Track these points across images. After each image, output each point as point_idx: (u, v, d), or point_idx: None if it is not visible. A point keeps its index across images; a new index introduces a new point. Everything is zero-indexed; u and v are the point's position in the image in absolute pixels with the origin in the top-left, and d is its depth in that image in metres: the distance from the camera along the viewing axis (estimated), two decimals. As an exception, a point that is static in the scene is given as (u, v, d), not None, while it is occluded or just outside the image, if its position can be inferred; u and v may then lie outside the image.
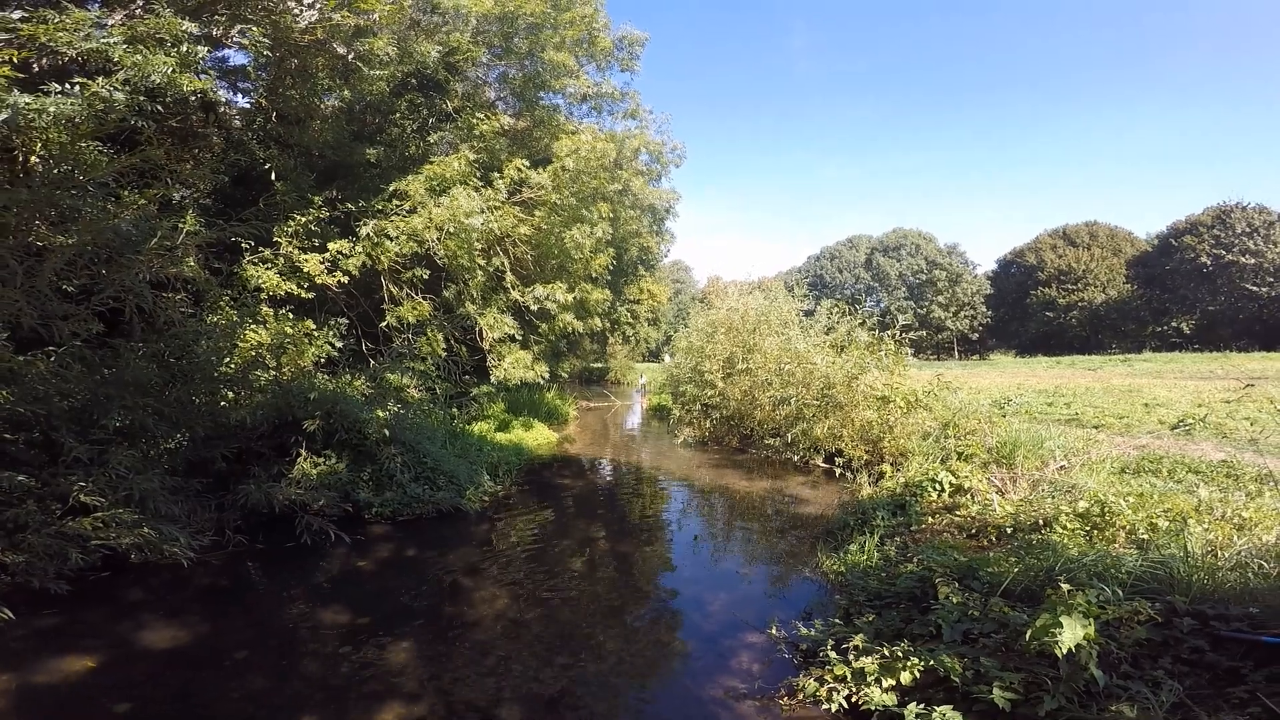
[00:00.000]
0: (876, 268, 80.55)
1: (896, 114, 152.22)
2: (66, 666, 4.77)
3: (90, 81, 5.84)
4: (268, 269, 10.17)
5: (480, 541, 8.32)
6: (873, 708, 4.01)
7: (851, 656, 4.40)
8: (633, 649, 5.35)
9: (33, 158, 5.87)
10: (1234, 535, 5.31)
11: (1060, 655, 3.52)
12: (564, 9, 15.40)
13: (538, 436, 16.16)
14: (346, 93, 11.22)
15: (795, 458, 13.02)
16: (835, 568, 6.71)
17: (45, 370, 6.16)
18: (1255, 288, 56.06)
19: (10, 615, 5.01)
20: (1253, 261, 56.40)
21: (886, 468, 10.46)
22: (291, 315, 9.74)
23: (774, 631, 5.27)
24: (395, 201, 12.04)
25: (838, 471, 11.59)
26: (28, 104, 5.24)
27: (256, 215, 9.94)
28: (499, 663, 4.95)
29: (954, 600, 4.66)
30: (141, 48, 6.23)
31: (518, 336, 13.43)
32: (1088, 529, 5.96)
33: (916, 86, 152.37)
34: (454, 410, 13.48)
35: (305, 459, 8.38)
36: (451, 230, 11.48)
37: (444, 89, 14.06)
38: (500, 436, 14.43)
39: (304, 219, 10.76)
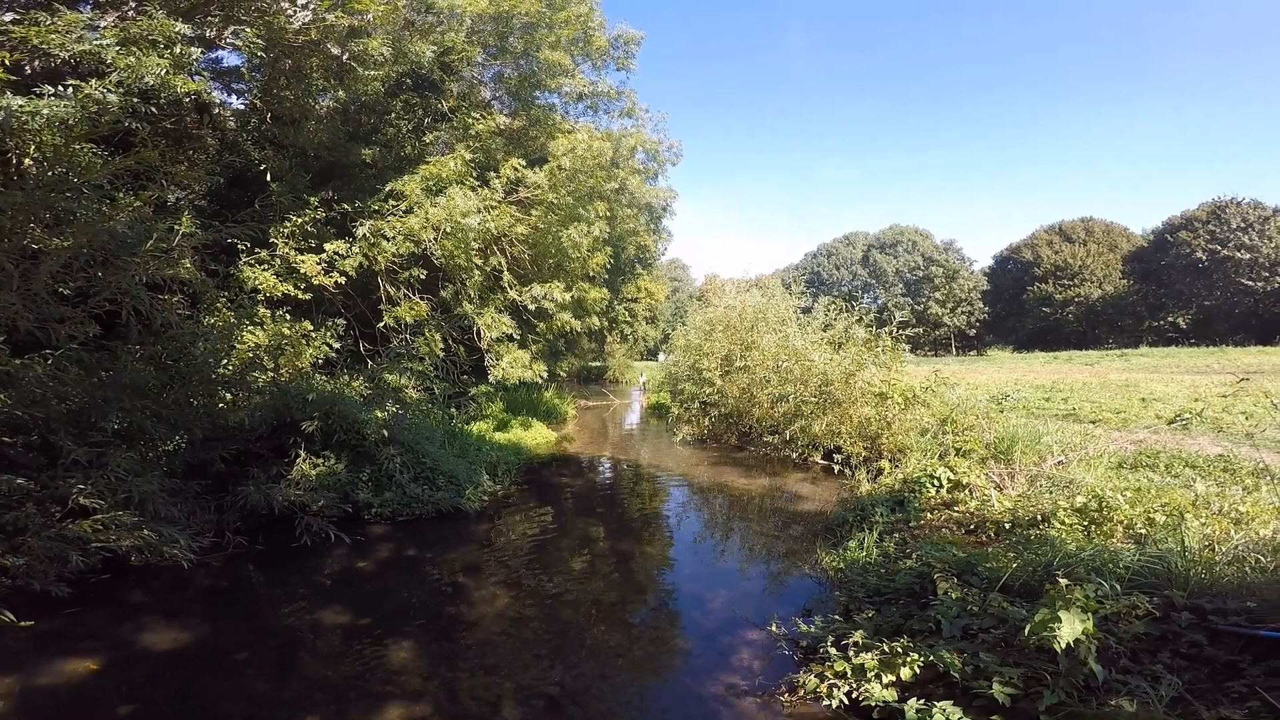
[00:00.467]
0: (874, 265, 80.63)
1: (894, 112, 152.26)
2: (68, 668, 4.77)
3: (83, 84, 5.82)
4: (264, 270, 10.15)
5: (480, 541, 8.32)
6: (873, 703, 4.01)
7: (851, 653, 4.41)
8: (633, 647, 5.36)
9: (26, 160, 5.85)
10: (1231, 530, 5.33)
11: (1059, 650, 3.53)
12: (559, 8, 15.36)
13: (536, 436, 16.15)
14: (341, 93, 11.19)
15: (794, 455, 13.03)
16: (834, 564, 6.73)
17: (43, 373, 6.14)
18: (1250, 282, 56.26)
19: (12, 618, 5.00)
20: (1248, 256, 56.60)
21: (885, 464, 10.48)
22: (289, 316, 9.72)
23: (774, 628, 5.28)
24: (391, 202, 12.01)
25: (836, 468, 11.61)
26: (21, 106, 5.23)
27: (252, 216, 9.92)
28: (500, 661, 4.96)
29: (953, 596, 4.68)
30: (134, 49, 6.22)
31: (515, 336, 13.41)
32: (1085, 524, 5.98)
33: (914, 85, 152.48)
34: (453, 410, 13.48)
35: (304, 460, 8.37)
36: (448, 230, 11.46)
37: (439, 89, 14.03)
38: (499, 436, 14.42)
39: (300, 220, 10.73)
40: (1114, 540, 5.57)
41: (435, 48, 12.89)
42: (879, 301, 76.82)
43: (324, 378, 9.56)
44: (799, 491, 10.83)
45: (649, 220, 29.56)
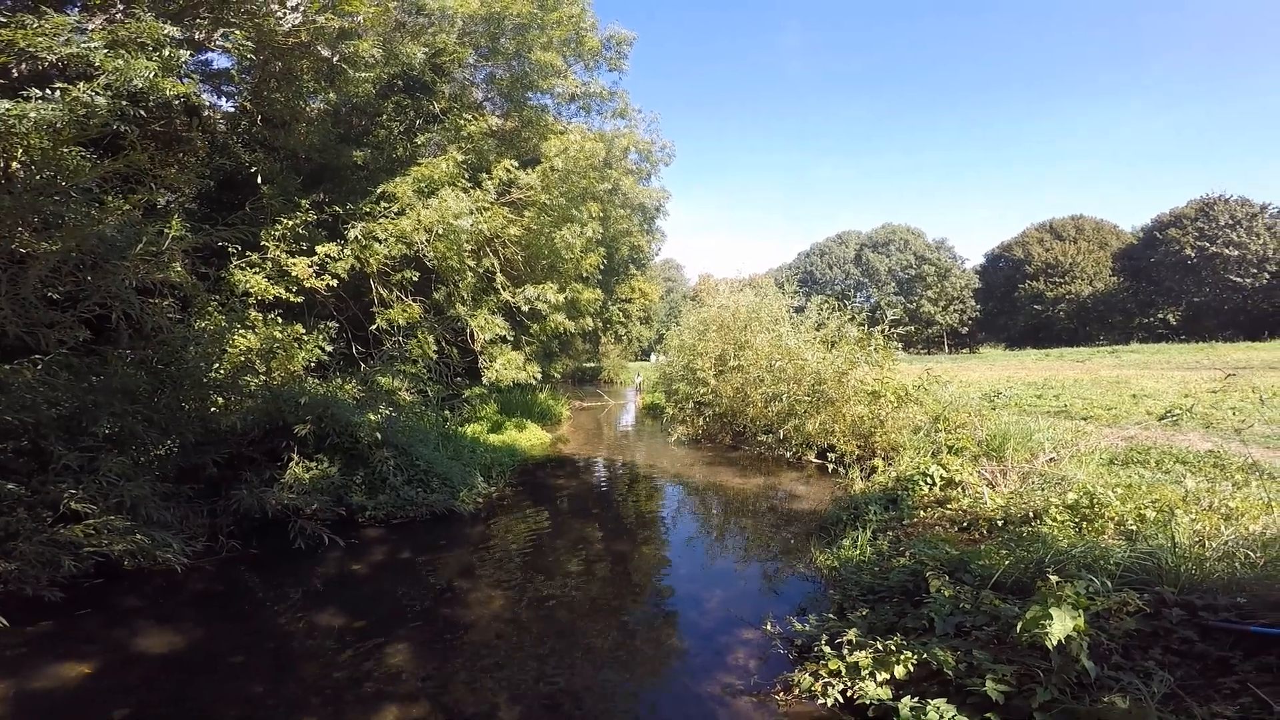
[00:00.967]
0: (866, 263, 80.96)
1: (887, 112, 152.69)
2: (63, 672, 4.75)
3: (71, 86, 5.79)
4: (255, 273, 10.11)
5: (475, 543, 8.31)
6: (867, 701, 4.03)
7: (845, 651, 4.42)
8: (629, 648, 5.36)
9: (14, 164, 5.81)
10: (1221, 525, 5.37)
11: (1051, 647, 3.55)
12: (551, 9, 15.36)
13: (531, 437, 16.13)
14: (332, 95, 11.16)
15: (788, 454, 13.06)
16: (829, 563, 6.75)
17: (32, 378, 6.10)
18: (1239, 279, 56.81)
19: (5, 623, 4.97)
20: (1236, 253, 57.14)
21: (878, 462, 10.51)
22: (280, 319, 9.69)
23: (769, 627, 5.30)
24: (383, 204, 11.99)
25: (830, 467, 11.64)
26: (8, 109, 5.20)
27: (243, 219, 9.85)
28: (496, 663, 4.96)
29: (946, 594, 4.70)
30: (123, 52, 6.18)
31: (509, 337, 13.42)
32: (1077, 521, 6.01)
33: (906, 85, 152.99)
34: (446, 412, 13.44)
35: (297, 463, 8.34)
36: (440, 232, 11.45)
37: (431, 90, 14.01)
38: (493, 438, 14.40)
39: (291, 222, 10.69)
40: (1105, 537, 5.60)
41: (426, 49, 12.86)
42: (872, 300, 77.15)
43: (316, 381, 9.53)
44: (793, 490, 10.85)
45: (642, 221, 29.55)
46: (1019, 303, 70.22)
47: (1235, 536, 5.06)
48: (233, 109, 11.84)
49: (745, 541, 8.54)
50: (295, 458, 8.38)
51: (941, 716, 3.63)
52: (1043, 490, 6.97)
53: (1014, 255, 72.87)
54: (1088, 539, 5.39)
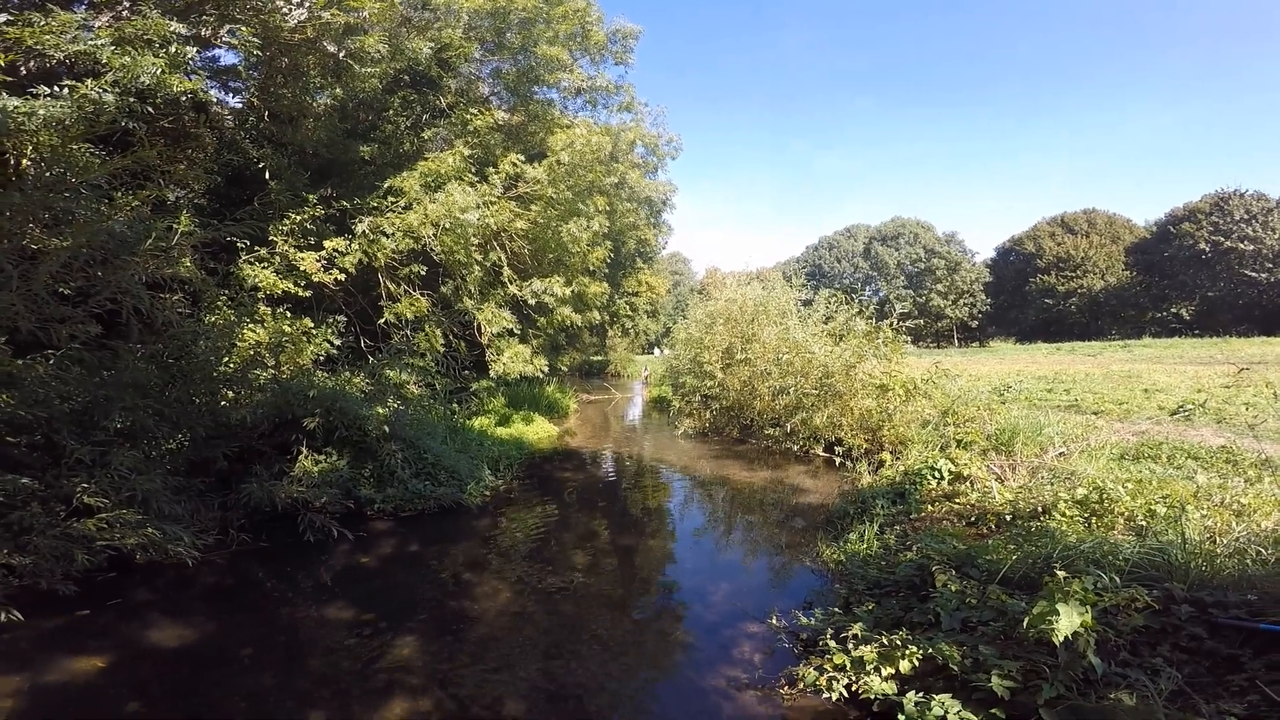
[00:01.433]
0: (875, 257, 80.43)
1: (896, 105, 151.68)
2: (76, 666, 4.81)
3: (79, 84, 5.82)
4: (264, 268, 10.16)
5: (483, 536, 8.35)
6: (872, 696, 4.03)
7: (851, 645, 4.42)
8: (636, 641, 5.39)
9: (24, 161, 5.86)
10: (1233, 522, 5.31)
11: (1057, 643, 3.52)
12: (556, 3, 15.29)
13: (538, 430, 16.18)
14: (339, 90, 11.18)
15: (795, 447, 13.03)
16: (835, 557, 6.73)
17: (45, 373, 6.16)
18: (1254, 274, 56.03)
19: (20, 617, 5.04)
20: (1251, 248, 56.34)
21: (886, 456, 10.47)
22: (289, 314, 9.74)
23: (774, 621, 5.29)
24: (390, 198, 12.01)
25: (838, 460, 11.60)
26: (16, 107, 5.23)
27: (251, 214, 9.91)
28: (504, 656, 4.99)
29: (952, 588, 4.68)
30: (129, 49, 6.22)
31: (516, 331, 13.43)
32: (1086, 516, 5.96)
33: (914, 79, 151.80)
34: (454, 406, 13.50)
35: (306, 457, 8.40)
36: (447, 226, 11.46)
37: (437, 85, 14.00)
38: (501, 431, 14.45)
39: (299, 217, 10.74)
40: (1115, 532, 5.56)
41: (432, 44, 12.85)
42: (880, 294, 76.72)
43: (325, 374, 9.58)
44: (800, 484, 10.84)
45: (649, 214, 29.48)
46: (1030, 296, 69.57)
47: (1247, 533, 5.00)
48: (240, 105, 11.89)
49: (752, 535, 8.54)
50: (304, 451, 8.44)
51: (946, 712, 3.62)
52: (1052, 485, 6.92)
53: (1025, 249, 72.16)
54: (1097, 534, 5.35)
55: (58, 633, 5.33)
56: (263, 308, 9.61)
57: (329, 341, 9.97)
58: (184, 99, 7.19)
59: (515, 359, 13.18)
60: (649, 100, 33.23)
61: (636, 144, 24.32)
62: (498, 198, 12.88)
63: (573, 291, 14.19)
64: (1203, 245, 58.26)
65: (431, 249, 11.78)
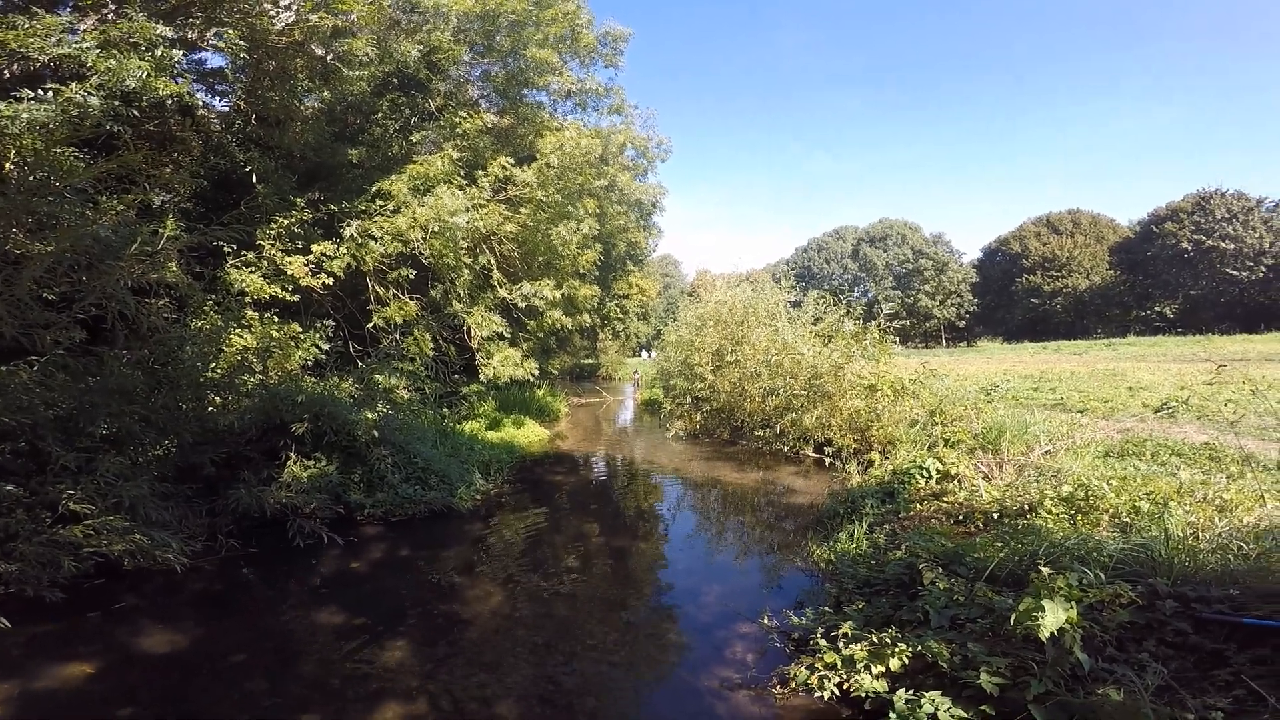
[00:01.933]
0: (863, 258, 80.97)
1: (885, 107, 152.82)
2: (65, 672, 4.77)
3: (64, 87, 5.78)
4: (251, 272, 10.08)
5: (474, 540, 8.34)
6: (863, 694, 4.07)
7: (841, 644, 4.45)
8: (628, 642, 5.39)
9: (7, 165, 5.79)
10: (1215, 517, 5.37)
11: (1044, 639, 3.55)
12: (545, 6, 15.29)
13: (529, 434, 16.16)
14: (326, 94, 11.11)
15: (785, 448, 13.09)
16: (825, 556, 6.78)
17: (29, 380, 6.09)
18: (1235, 272, 56.92)
19: (6, 624, 4.99)
20: (1232, 246, 57.24)
21: (875, 456, 10.54)
22: (277, 318, 9.67)
23: (766, 621, 5.33)
24: (379, 202, 11.96)
25: (827, 461, 11.68)
26: (0, 111, 5.18)
27: (238, 218, 9.83)
28: (496, 659, 4.98)
29: (940, 586, 4.73)
30: (115, 52, 6.17)
31: (506, 334, 13.39)
32: (1072, 513, 6.02)
33: (902, 81, 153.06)
34: (444, 410, 13.46)
35: (295, 462, 8.35)
36: (436, 229, 11.42)
37: (426, 88, 13.96)
38: (491, 435, 14.42)
39: (286, 221, 10.66)
40: (1100, 529, 5.62)
41: (421, 47, 12.82)
42: (869, 295, 77.19)
43: (313, 379, 9.52)
44: (791, 485, 10.90)
45: (639, 217, 29.54)
46: (1016, 296, 70.30)
47: (1229, 528, 5.06)
48: (227, 108, 11.80)
49: (743, 536, 8.57)
50: (293, 456, 8.39)
51: (936, 709, 3.66)
52: (1038, 483, 6.99)
53: (1011, 249, 72.89)
54: (1082, 531, 5.41)
55: (45, 639, 5.27)
56: (250, 313, 9.54)
57: (317, 346, 9.92)
58: (170, 102, 7.14)
59: (505, 363, 13.14)
60: (639, 103, 33.40)
61: (626, 147, 24.38)
62: (487, 201, 12.86)
63: (563, 295, 14.16)
64: (1185, 244, 59.13)
65: (420, 253, 11.74)
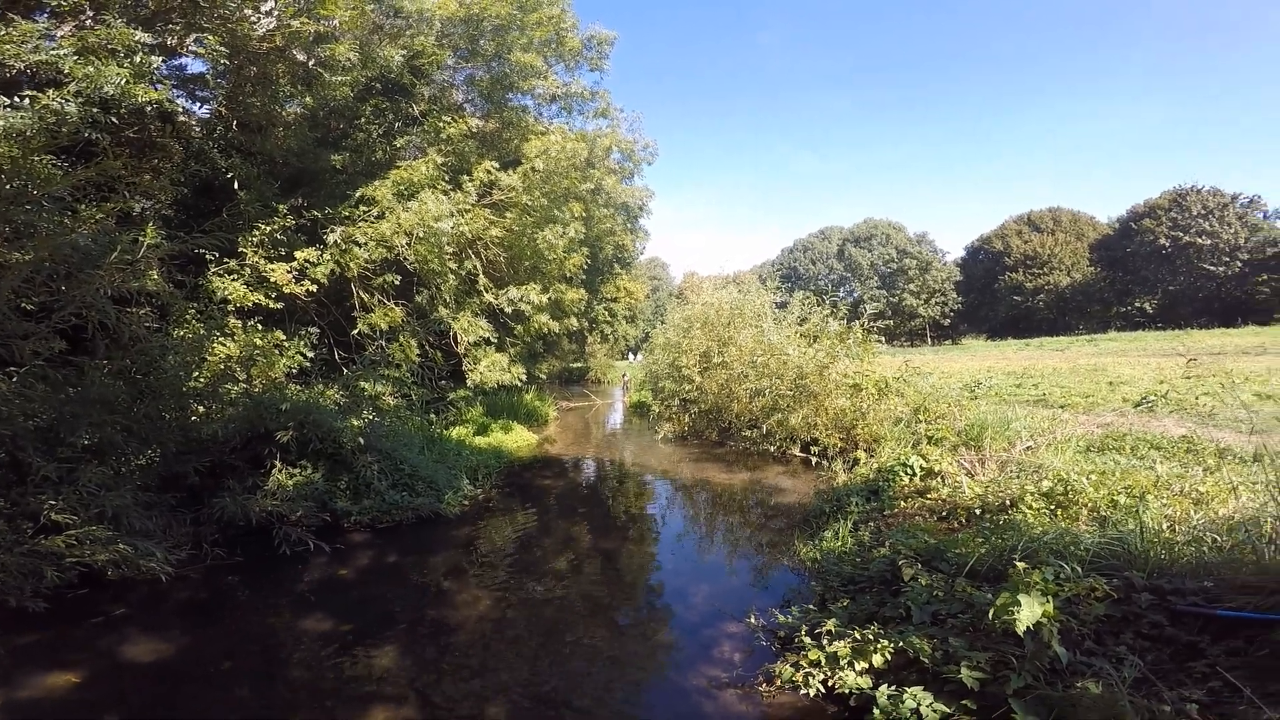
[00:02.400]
0: (849, 258, 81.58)
1: (870, 107, 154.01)
2: (50, 682, 4.72)
3: (41, 94, 5.72)
4: (234, 280, 10.01)
5: (462, 545, 8.33)
6: (847, 690, 4.12)
7: (825, 641, 4.50)
8: (618, 644, 5.42)
9: (-16, 174, 5.72)
10: (1191, 510, 5.46)
11: (1020, 633, 3.60)
12: (530, 10, 15.32)
13: (517, 438, 16.14)
14: (309, 99, 11.06)
15: (772, 448, 13.17)
16: (811, 555, 6.85)
17: (8, 390, 6.02)
18: (1212, 267, 57.94)
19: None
20: (1209, 242, 58.27)
21: (861, 454, 10.64)
22: (260, 326, 9.61)
23: (752, 620, 5.38)
24: (363, 207, 11.91)
25: (814, 460, 11.76)
26: (-24, 119, 5.13)
27: (220, 226, 9.78)
28: (485, 663, 4.99)
29: (922, 582, 4.79)
30: (93, 59, 6.12)
31: (493, 339, 13.37)
32: (1052, 508, 6.11)
33: (886, 81, 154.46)
34: (432, 416, 13.42)
35: (280, 470, 8.29)
36: (421, 235, 11.40)
37: (409, 93, 13.92)
38: (479, 440, 14.39)
39: (269, 228, 10.60)
40: (1079, 523, 5.71)
41: (405, 52, 12.79)
42: (855, 294, 77.77)
43: (298, 387, 9.46)
44: (778, 484, 10.97)
45: (625, 220, 29.56)
46: (999, 294, 71.12)
47: (1204, 520, 5.15)
48: (208, 114, 11.70)
49: (731, 536, 8.62)
50: (278, 464, 8.33)
51: (919, 704, 3.70)
52: (1019, 479, 7.08)
53: (993, 248, 73.74)
54: (1061, 525, 5.49)
55: (30, 649, 5.21)
56: (233, 320, 9.47)
57: (302, 354, 9.86)
58: (149, 109, 7.09)
59: (492, 367, 13.12)
60: (625, 106, 33.51)
61: (612, 150, 24.39)
62: (472, 205, 12.86)
63: (549, 299, 14.17)
64: (1163, 240, 60.11)
65: (405, 258, 11.71)
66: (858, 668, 4.21)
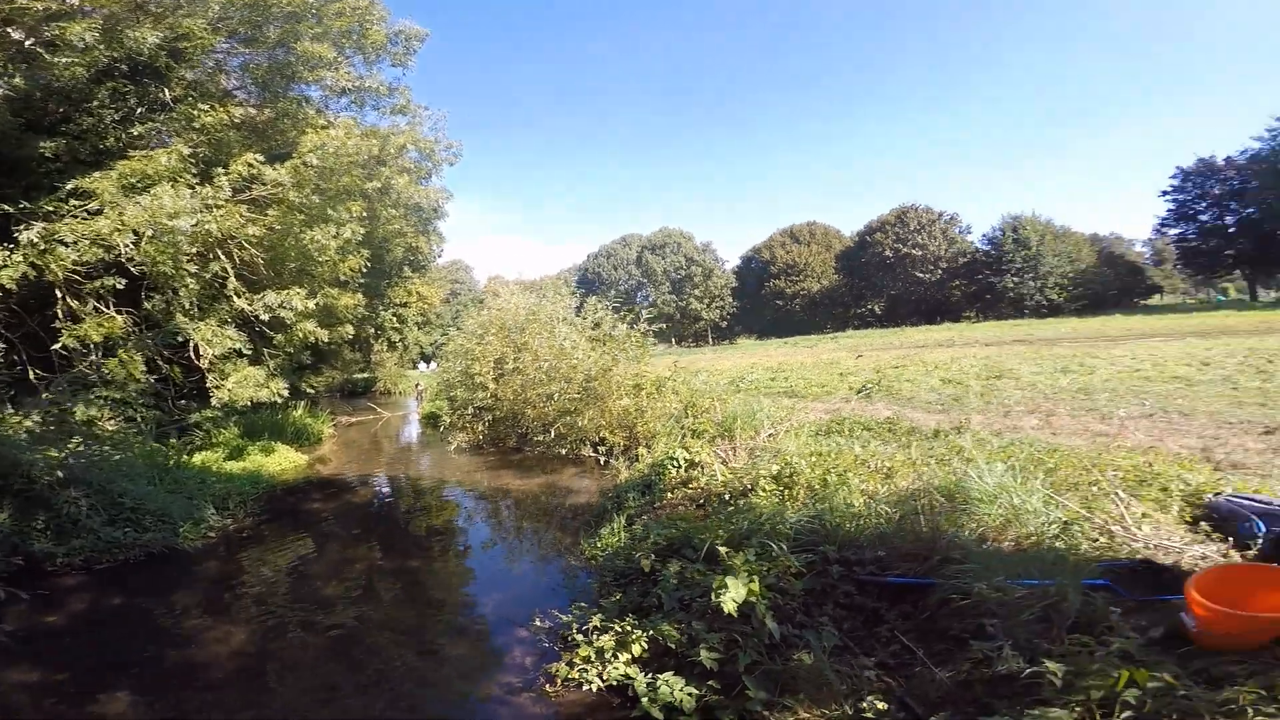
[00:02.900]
0: (646, 265, 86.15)
1: (675, 122, 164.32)
2: None
3: None
4: None
5: (208, 580, 7.47)
6: (614, 682, 4.26)
7: (594, 636, 4.61)
8: (404, 664, 5.20)
9: None
10: (881, 484, 6.08)
11: (728, 612, 3.88)
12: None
13: (281, 460, 14.55)
14: (18, 80, 9.01)
15: (565, 450, 13.44)
16: (593, 552, 7.09)
17: None
18: (922, 275, 70.93)
19: None
20: (920, 253, 71.18)
21: (642, 450, 11.09)
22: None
23: (537, 622, 5.34)
24: (74, 202, 9.92)
25: (603, 459, 12.26)
26: None
27: None
28: (244, 701, 4.57)
29: (672, 569, 5.05)
30: None
31: (245, 351, 11.76)
32: (781, 489, 6.63)
33: (683, 92, 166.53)
34: (172, 440, 11.59)
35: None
36: (151, 233, 9.79)
37: (163, 76, 11.84)
38: (232, 465, 12.76)
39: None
40: (799, 502, 6.34)
41: (165, 33, 10.88)
42: (650, 299, 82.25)
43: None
44: (572, 485, 11.28)
45: (418, 221, 27.95)
46: (766, 298, 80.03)
47: (888, 493, 5.84)
48: None
49: (525, 541, 8.74)
50: (-58, 512, 6.69)
51: (671, 689, 3.85)
52: (759, 464, 7.66)
53: (762, 257, 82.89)
54: (788, 506, 6.10)
55: None
56: None
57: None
58: None
59: (244, 383, 11.47)
60: (432, 104, 31.53)
61: (408, 148, 22.88)
62: (225, 201, 11.27)
63: (317, 304, 12.89)
64: (888, 252, 72.11)
65: (131, 259, 9.97)
66: (622, 659, 4.32)
